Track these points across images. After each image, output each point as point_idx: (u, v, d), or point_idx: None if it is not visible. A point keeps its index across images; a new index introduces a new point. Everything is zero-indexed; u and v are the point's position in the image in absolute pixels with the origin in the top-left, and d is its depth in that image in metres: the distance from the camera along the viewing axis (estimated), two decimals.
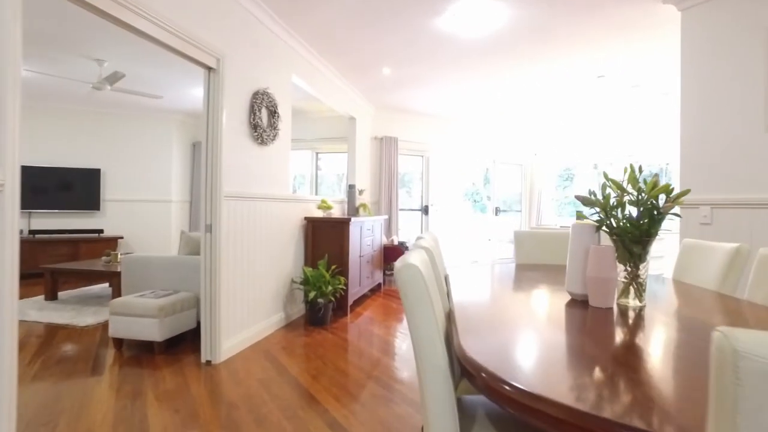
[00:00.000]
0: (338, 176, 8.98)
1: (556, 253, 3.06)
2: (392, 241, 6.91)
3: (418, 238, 2.25)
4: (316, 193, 8.26)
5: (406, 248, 7.07)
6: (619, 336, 1.29)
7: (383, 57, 4.99)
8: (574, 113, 7.67)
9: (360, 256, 5.05)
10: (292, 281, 4.41)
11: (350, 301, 4.71)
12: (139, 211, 7.49)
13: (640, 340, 1.24)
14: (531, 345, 1.20)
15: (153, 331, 3.21)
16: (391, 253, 6.52)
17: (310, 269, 4.30)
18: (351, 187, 5.90)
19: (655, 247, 4.52)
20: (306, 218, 4.66)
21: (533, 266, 2.86)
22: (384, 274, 6.58)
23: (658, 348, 1.17)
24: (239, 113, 3.45)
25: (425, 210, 8.38)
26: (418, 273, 1.21)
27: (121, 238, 7.22)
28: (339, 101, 5.91)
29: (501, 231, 10.02)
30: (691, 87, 3.39)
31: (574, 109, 7.38)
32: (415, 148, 8.21)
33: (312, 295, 4.12)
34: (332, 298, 4.26)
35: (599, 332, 1.33)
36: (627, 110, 7.15)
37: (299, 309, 4.60)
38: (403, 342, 3.83)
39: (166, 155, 7.74)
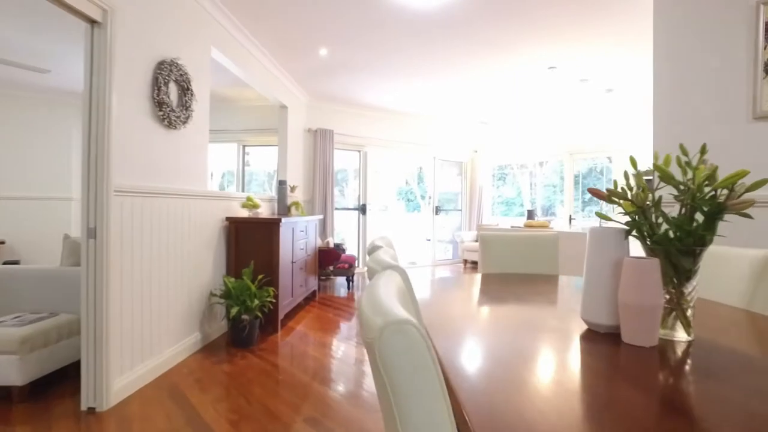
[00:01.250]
0: (269, 174, 8.23)
1: (530, 260, 2.61)
2: (327, 243, 6.30)
3: (374, 248, 1.70)
4: (244, 191, 7.45)
5: (343, 251, 6.49)
6: (691, 392, 0.80)
7: (320, 33, 4.38)
8: (518, 108, 7.44)
9: (292, 262, 4.40)
10: (211, 294, 3.68)
11: (281, 315, 4.05)
12: (26, 211, 6.30)
13: (720, 399, 0.75)
14: (551, 414, 0.68)
15: (10, 372, 2.39)
16: (327, 256, 5.91)
17: (233, 280, 3.60)
18: (281, 184, 5.23)
19: None
20: (228, 219, 3.95)
21: (506, 276, 2.37)
22: (319, 279, 5.96)
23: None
24: (138, 86, 2.71)
25: (362, 209, 7.83)
26: (416, 337, 0.64)
27: (2, 243, 6.03)
28: (269, 86, 5.21)
29: (441, 231, 9.69)
30: (663, 72, 3.08)
31: (518, 104, 7.14)
32: (352, 143, 7.64)
33: (235, 311, 3.43)
34: (259, 314, 3.59)
35: (653, 386, 0.84)
36: (571, 106, 7.00)
37: (220, 326, 3.88)
38: (343, 364, 3.25)
39: (64, 145, 6.59)
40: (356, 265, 6.78)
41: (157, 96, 2.83)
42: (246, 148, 7.63)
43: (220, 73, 5.10)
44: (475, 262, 8.72)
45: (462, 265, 8.90)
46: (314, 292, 5.58)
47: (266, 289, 3.71)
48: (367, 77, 5.82)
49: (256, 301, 3.52)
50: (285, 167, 6.03)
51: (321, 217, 6.09)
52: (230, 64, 4.28)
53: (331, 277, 6.09)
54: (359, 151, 7.80)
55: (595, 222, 7.93)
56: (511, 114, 7.87)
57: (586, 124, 7.61)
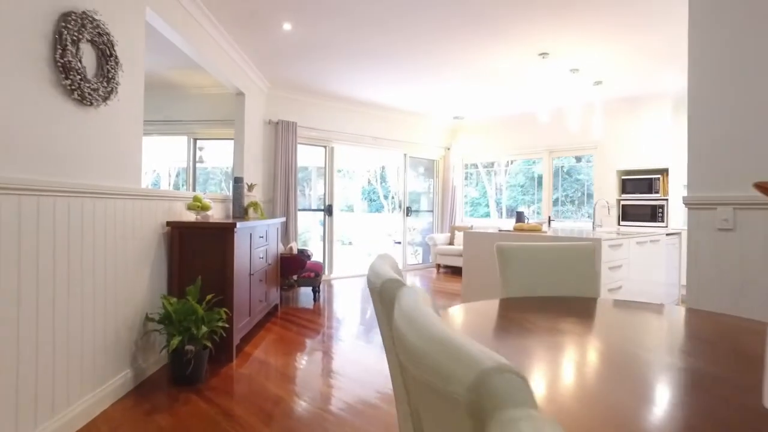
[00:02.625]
0: (227, 173, 7.43)
1: (562, 278, 2.02)
2: (291, 249, 5.59)
3: (379, 264, 1.06)
4: (195, 192, 6.62)
5: (308, 257, 5.79)
6: None
7: (284, 1, 3.68)
8: (498, 102, 6.94)
9: (250, 275, 3.69)
10: (147, 318, 2.93)
11: (236, 340, 3.33)
12: None
13: None
14: None
15: None
16: (290, 264, 5.20)
17: (174, 301, 2.86)
18: (237, 181, 4.49)
19: (614, 255, 3.76)
20: (170, 224, 3.19)
21: (542, 303, 1.73)
22: (281, 289, 5.25)
23: None
24: (28, 42, 1.95)
25: (328, 210, 7.14)
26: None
27: None
28: (223, 69, 4.46)
29: (410, 233, 9.13)
30: (700, 53, 2.57)
31: (500, 97, 6.63)
32: (318, 137, 6.93)
33: (176, 341, 2.70)
34: (208, 344, 2.86)
35: None
36: (557, 100, 6.55)
37: (160, 358, 3.12)
38: (313, 405, 2.57)
39: None
40: (323, 273, 6.09)
41: (62, 58, 2.07)
42: (198, 141, 6.79)
43: (167, 51, 4.32)
44: (449, 267, 8.19)
45: (435, 270, 8.35)
46: (276, 306, 4.86)
47: (217, 311, 2.99)
48: (335, 62, 5.15)
49: (204, 328, 2.79)
50: (242, 163, 5.28)
51: (283, 219, 5.37)
52: (175, 36, 3.52)
53: (296, 287, 5.39)
54: (325, 147, 7.10)
55: (572, 224, 7.54)
56: (489, 108, 7.37)
57: (570, 119, 7.19)
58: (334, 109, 7.09)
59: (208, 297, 3.01)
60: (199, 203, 3.37)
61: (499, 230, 4.59)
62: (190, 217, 3.50)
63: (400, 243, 8.83)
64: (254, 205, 4.59)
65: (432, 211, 9.10)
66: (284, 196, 6.29)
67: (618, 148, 6.68)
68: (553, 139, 7.55)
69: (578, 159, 8.15)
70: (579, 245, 2.07)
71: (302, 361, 3.34)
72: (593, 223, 5.10)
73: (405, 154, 8.30)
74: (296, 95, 6.58)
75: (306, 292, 5.96)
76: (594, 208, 5.11)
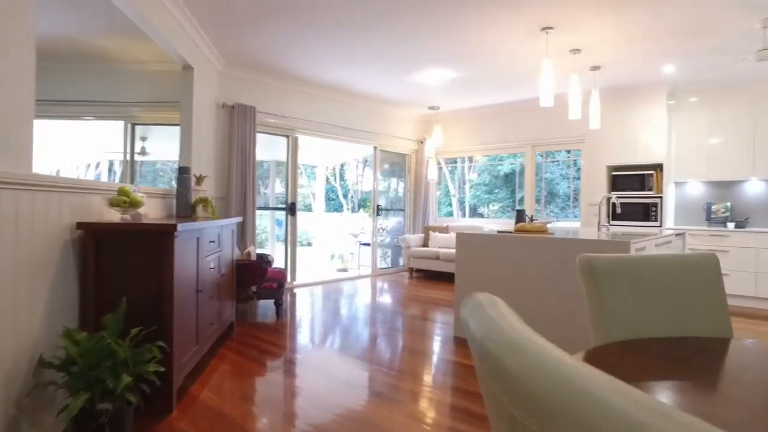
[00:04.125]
0: (175, 168, 6.43)
1: (679, 310, 1.32)
2: (248, 254, 4.72)
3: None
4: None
5: (269, 264, 4.94)
6: None
7: None
8: (480, 91, 6.30)
9: (198, 291, 2.83)
10: (41, 363, 2.03)
11: (178, 382, 2.47)
12: None
13: None
14: None
15: None
16: (248, 273, 4.34)
17: (82, 337, 1.99)
18: (183, 172, 3.60)
19: None
20: (82, 226, 2.30)
21: (680, 358, 1.01)
22: (237, 302, 4.39)
23: None
24: None
25: (291, 209, 6.29)
26: None
27: None
28: (167, 33, 3.55)
29: (378, 234, 8.41)
30: None
31: (482, 86, 5.98)
32: (280, 125, 6.07)
33: (80, 401, 1.83)
34: (132, 399, 2.00)
35: None
36: (550, 86, 5.99)
37: (57, 424, 2.22)
38: None
39: None
40: (286, 282, 5.24)
41: None
42: (139, 128, 5.78)
43: (97, 9, 3.39)
44: (423, 271, 7.50)
45: (407, 273, 7.64)
46: (231, 325, 3.99)
47: (149, 347, 2.13)
48: (300, 33, 4.33)
49: (126, 378, 1.93)
50: (189, 151, 4.37)
51: (239, 219, 4.50)
52: None
53: (255, 299, 4.53)
54: (288, 136, 6.24)
55: (563, 225, 7.02)
56: (469, 98, 6.72)
57: (561, 110, 6.65)
58: (298, 94, 6.24)
59: (134, 332, 2.13)
60: (125, 198, 2.49)
61: (498, 231, 3.92)
62: (115, 216, 2.60)
63: (368, 245, 8.07)
64: (204, 201, 3.72)
65: (403, 210, 8.39)
66: (241, 191, 5.40)
67: (608, 141, 6.19)
68: (538, 132, 7.01)
69: (567, 152, 7.67)
70: (697, 256, 1.38)
71: (265, 404, 2.52)
72: (598, 222, 4.52)
73: (376, 147, 7.54)
74: (255, 76, 5.70)
75: (266, 305, 5.10)
76: (599, 206, 4.51)
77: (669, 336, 1.25)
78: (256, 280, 4.40)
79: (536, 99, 6.50)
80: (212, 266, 3.20)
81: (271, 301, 4.94)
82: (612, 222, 6.15)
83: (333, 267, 8.55)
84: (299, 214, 6.43)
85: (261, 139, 6.28)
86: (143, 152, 6.00)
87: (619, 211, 4.16)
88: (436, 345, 3.69)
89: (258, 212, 6.22)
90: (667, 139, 5.83)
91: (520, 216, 4.11)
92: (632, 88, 5.94)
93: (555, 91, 5.89)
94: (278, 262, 6.26)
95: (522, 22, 3.95)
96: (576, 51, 4.57)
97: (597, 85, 5.47)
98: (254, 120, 5.51)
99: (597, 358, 1.02)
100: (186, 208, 3.56)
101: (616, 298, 1.25)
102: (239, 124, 5.36)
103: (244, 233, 5.34)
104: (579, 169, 10.18)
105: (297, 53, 4.96)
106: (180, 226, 2.33)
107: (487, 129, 7.59)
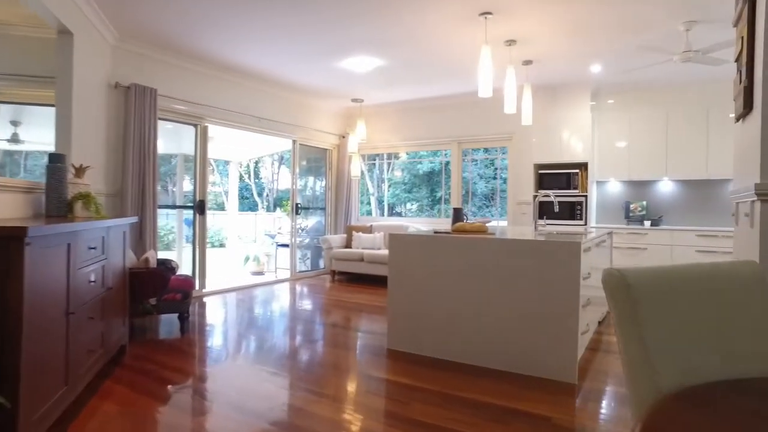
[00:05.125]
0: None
1: (732, 336, 1.01)
2: (146, 261, 4.01)
3: None
4: None
5: (172, 271, 4.27)
6: None
7: None
8: (407, 83, 5.98)
9: (69, 314, 2.18)
10: None
11: None
12: None
13: None
14: None
15: None
16: (146, 283, 3.66)
17: None
18: (55, 160, 2.88)
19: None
20: None
21: None
22: (132, 319, 3.69)
23: None
24: None
25: (200, 208, 5.58)
26: None
27: None
28: None
29: (297, 235, 7.87)
30: None
31: (410, 78, 5.67)
32: (187, 112, 5.34)
33: None
34: None
35: None
36: (480, 79, 5.81)
37: None
38: None
39: None
40: (194, 290, 4.56)
41: None
42: (3, 107, 4.78)
43: None
44: (346, 274, 7.07)
45: (329, 276, 7.17)
46: (123, 348, 3.29)
47: None
48: (215, 10, 3.71)
49: None
50: (67, 135, 3.59)
51: (134, 219, 3.77)
52: None
53: (155, 313, 3.84)
54: (196, 126, 5.52)
55: (495, 224, 6.92)
56: (395, 90, 6.39)
57: (489, 105, 6.53)
58: (210, 78, 5.54)
59: None
60: None
61: (435, 232, 3.59)
62: None
63: (286, 246, 7.49)
64: (85, 197, 3.01)
65: (324, 209, 7.90)
66: (138, 186, 4.63)
67: (536, 139, 6.16)
68: (465, 128, 6.85)
69: (485, 150, 7.60)
70: (740, 264, 1.08)
71: None
72: (535, 221, 4.36)
73: (295, 141, 6.98)
74: (158, 54, 4.93)
75: (169, 320, 4.41)
76: (536, 204, 4.35)
77: (732, 377, 0.93)
78: (155, 292, 3.72)
79: (465, 94, 6.34)
80: (93, 279, 2.54)
81: (176, 315, 4.25)
82: (538, 221, 6.11)
83: (248, 270, 7.85)
84: (211, 214, 5.72)
85: (166, 128, 5.52)
86: (15, 139, 5.01)
87: (556, 209, 4.00)
88: (368, 360, 3.28)
89: (164, 211, 5.45)
90: (591, 139, 5.88)
91: (457, 215, 3.81)
92: (560, 87, 5.94)
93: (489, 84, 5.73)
94: (186, 268, 5.54)
95: (459, 2, 3.64)
96: (511, 42, 4.38)
97: (529, 81, 5.36)
98: (155, 104, 4.75)
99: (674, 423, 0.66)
100: (59, 206, 2.84)
101: (664, 328, 0.91)
102: (137, 107, 4.59)
103: (143, 236, 4.59)
104: (496, 168, 10.31)
105: (209, 31, 4.32)
106: (35, 229, 1.70)
107: (412, 124, 7.32)
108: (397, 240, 3.51)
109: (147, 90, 4.68)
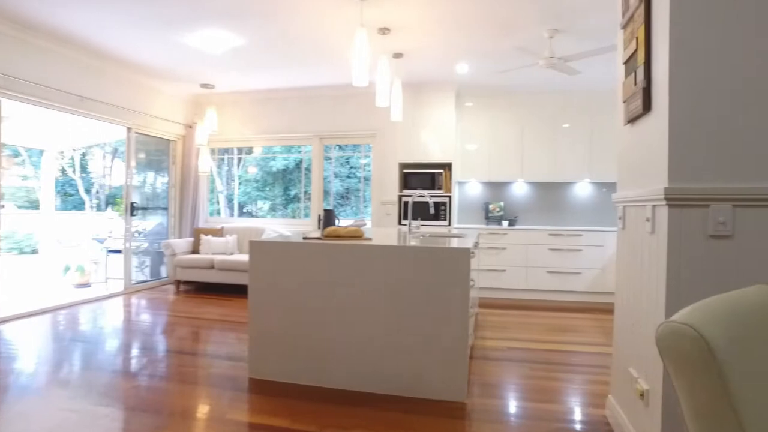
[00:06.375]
0: None
1: None
2: None
3: None
4: None
5: None
6: None
7: None
8: (265, 69, 5.36)
9: None
10: None
11: None
12: None
13: None
14: None
15: None
16: None
17: None
18: None
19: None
20: None
21: None
22: None
23: None
24: None
25: None
26: None
27: None
28: None
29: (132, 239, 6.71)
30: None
31: (268, 62, 5.06)
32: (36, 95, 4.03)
33: None
34: None
35: None
36: (344, 74, 5.45)
37: None
38: None
39: None
40: None
41: None
42: None
43: None
44: (194, 283, 6.18)
45: (173, 287, 6.18)
46: None
47: None
48: None
49: None
50: None
51: None
52: None
53: None
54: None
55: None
56: (251, 77, 5.72)
57: (353, 101, 6.18)
58: (11, 40, 4.26)
59: None
60: None
61: (304, 237, 3.10)
62: None
63: (119, 252, 6.29)
64: None
65: (166, 209, 6.84)
66: None
67: (401, 137, 6.01)
68: (327, 123, 6.44)
69: (341, 148, 7.29)
70: None
71: None
72: (409, 223, 4.11)
73: (130, 129, 5.87)
74: (12, 30, 3.60)
75: None
76: (409, 205, 4.10)
77: None
78: None
79: (332, 86, 5.96)
80: None
81: None
82: (403, 222, 5.98)
83: (69, 282, 6.45)
84: (18, 213, 4.44)
85: None
86: None
87: (432, 211, 3.79)
88: (225, 397, 2.66)
89: None
90: (454, 139, 5.91)
91: (329, 217, 3.36)
92: (427, 84, 5.86)
93: (350, 78, 5.40)
94: None
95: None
96: (385, 31, 4.07)
97: (399, 75, 5.14)
98: None
99: None
100: None
101: (757, 401, 0.57)
102: None
103: None
104: (352, 167, 10.11)
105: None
106: None
107: (272, 116, 6.68)
108: (259, 247, 2.94)
109: None
